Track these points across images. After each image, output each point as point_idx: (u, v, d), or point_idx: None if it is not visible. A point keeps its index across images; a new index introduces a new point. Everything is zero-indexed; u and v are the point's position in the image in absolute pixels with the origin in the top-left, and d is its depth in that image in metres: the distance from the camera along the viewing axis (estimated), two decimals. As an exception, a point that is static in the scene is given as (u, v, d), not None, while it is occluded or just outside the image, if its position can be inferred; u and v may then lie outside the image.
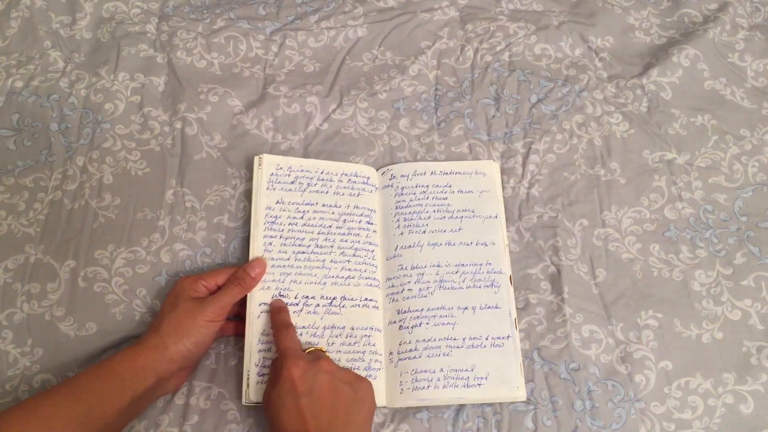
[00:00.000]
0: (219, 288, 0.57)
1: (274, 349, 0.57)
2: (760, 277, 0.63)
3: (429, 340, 0.59)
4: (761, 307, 0.62)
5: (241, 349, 0.58)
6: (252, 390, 0.56)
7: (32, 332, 0.59)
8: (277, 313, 0.57)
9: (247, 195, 0.66)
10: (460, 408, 0.57)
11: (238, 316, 0.60)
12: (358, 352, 0.58)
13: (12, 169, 0.67)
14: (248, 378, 0.56)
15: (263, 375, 0.56)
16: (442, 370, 0.58)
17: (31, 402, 0.48)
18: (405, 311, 0.60)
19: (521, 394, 0.57)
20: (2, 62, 0.73)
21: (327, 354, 0.56)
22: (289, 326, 0.56)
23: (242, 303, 0.59)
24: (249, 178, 0.67)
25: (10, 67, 0.73)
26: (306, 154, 0.69)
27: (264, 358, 0.57)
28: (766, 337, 0.61)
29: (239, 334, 0.59)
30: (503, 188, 0.68)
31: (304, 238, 0.62)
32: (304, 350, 0.55)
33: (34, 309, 0.60)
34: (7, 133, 0.69)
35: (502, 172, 0.69)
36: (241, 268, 0.58)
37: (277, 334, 0.55)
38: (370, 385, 0.53)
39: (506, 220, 0.66)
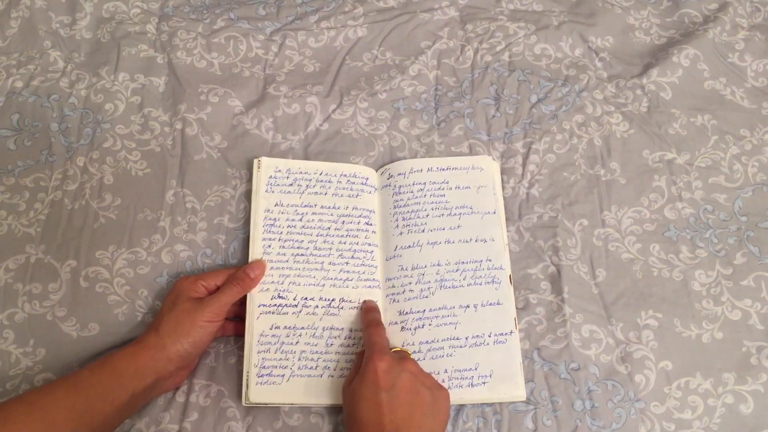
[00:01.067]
0: (218, 288, 0.58)
1: (274, 349, 0.57)
2: (760, 277, 0.63)
3: (432, 341, 0.59)
4: (761, 307, 0.62)
5: (241, 347, 0.58)
6: (251, 391, 0.56)
7: (34, 332, 0.59)
8: (368, 312, 0.59)
9: (248, 195, 0.66)
10: (460, 408, 0.57)
11: (237, 316, 0.60)
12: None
13: (12, 169, 0.67)
14: (248, 379, 0.56)
15: (262, 376, 0.56)
16: (446, 371, 0.58)
17: (32, 395, 0.49)
18: (407, 312, 0.60)
19: (521, 393, 0.57)
20: (2, 62, 0.73)
21: (412, 357, 0.57)
22: (379, 324, 0.57)
23: (242, 303, 0.59)
24: (249, 179, 0.67)
25: (10, 67, 0.73)
26: (306, 154, 0.69)
27: (263, 359, 0.57)
28: (766, 337, 0.61)
29: (239, 335, 0.60)
30: (503, 188, 0.68)
31: (302, 240, 0.62)
32: (391, 349, 0.56)
33: (36, 309, 0.60)
34: (8, 133, 0.69)
35: (502, 172, 0.69)
36: (240, 268, 0.59)
37: (367, 329, 0.56)
38: (448, 395, 0.54)
39: (506, 220, 0.66)
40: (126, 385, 0.51)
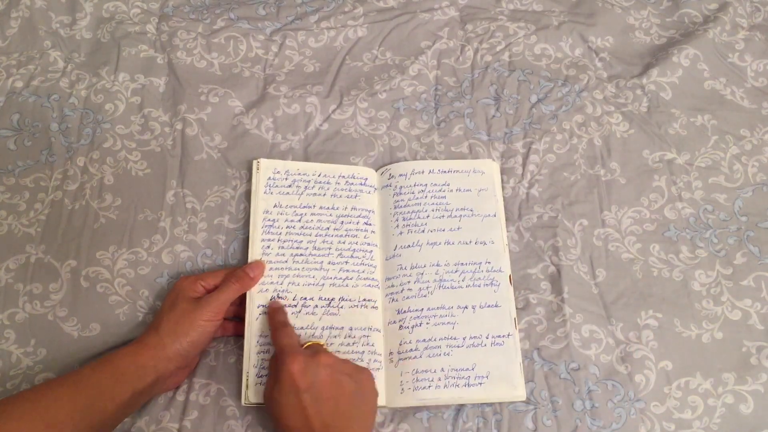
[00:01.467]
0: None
1: (272, 350, 0.57)
2: (760, 277, 0.63)
3: (429, 339, 0.59)
4: (761, 307, 0.62)
5: (241, 347, 0.58)
6: (251, 391, 0.56)
7: (35, 332, 0.59)
8: (275, 314, 0.58)
9: (247, 196, 0.66)
10: (460, 408, 0.57)
11: (237, 316, 0.60)
12: (357, 353, 0.58)
13: (12, 169, 0.67)
14: (247, 379, 0.56)
15: (262, 376, 0.56)
16: (443, 369, 0.58)
17: (34, 392, 0.49)
18: (405, 311, 0.61)
19: (521, 393, 0.57)
20: (2, 62, 0.73)
21: (325, 346, 0.56)
22: (286, 325, 0.56)
23: (241, 303, 0.59)
24: (249, 179, 0.67)
25: (10, 67, 0.73)
26: (306, 155, 0.69)
27: (263, 359, 0.57)
28: (766, 337, 0.61)
29: (238, 335, 0.60)
30: (503, 188, 0.68)
31: (301, 241, 0.62)
32: (303, 344, 0.55)
33: (37, 309, 0.60)
34: (8, 133, 0.69)
35: (502, 172, 0.69)
36: (240, 268, 0.59)
37: (275, 333, 0.55)
38: (370, 374, 0.53)
39: (506, 220, 0.66)
40: (127, 384, 0.51)
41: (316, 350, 0.53)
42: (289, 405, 0.49)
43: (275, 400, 0.50)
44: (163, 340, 0.53)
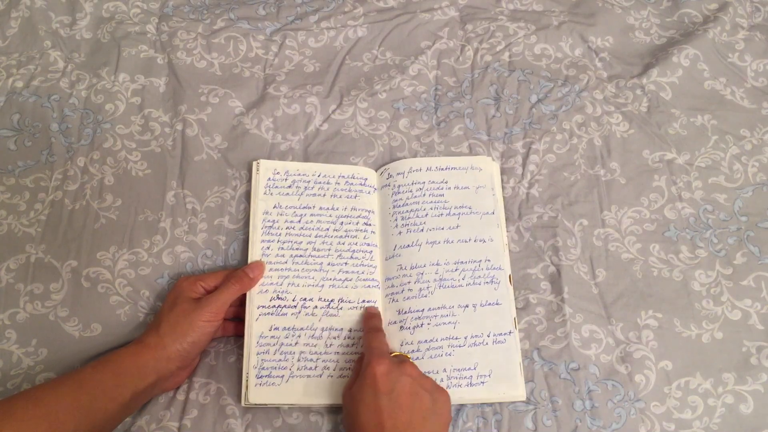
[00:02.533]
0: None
1: (273, 350, 0.57)
2: (760, 277, 0.63)
3: (431, 340, 0.59)
4: (761, 307, 0.62)
5: (240, 346, 0.59)
6: (251, 392, 0.56)
7: (36, 332, 0.59)
8: (370, 318, 0.59)
9: (247, 196, 0.66)
10: (461, 408, 0.58)
11: (237, 317, 0.60)
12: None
13: (12, 170, 0.67)
14: (247, 380, 0.56)
15: (262, 377, 0.56)
16: (445, 370, 0.58)
17: (36, 391, 0.49)
18: (406, 312, 0.61)
19: (521, 393, 0.57)
20: (2, 62, 0.73)
21: (411, 360, 0.56)
22: (379, 330, 0.57)
23: (241, 304, 0.59)
24: (249, 179, 0.67)
25: (10, 67, 0.73)
26: (306, 155, 0.69)
27: (263, 360, 0.57)
28: (766, 337, 0.61)
29: (239, 335, 0.60)
30: (503, 188, 0.68)
31: (301, 242, 0.62)
32: (390, 353, 0.56)
33: (38, 309, 0.60)
34: (8, 133, 0.69)
35: (502, 172, 0.69)
36: (240, 268, 0.59)
37: (367, 335, 0.56)
38: (448, 397, 0.53)
39: (506, 220, 0.66)
40: (128, 383, 0.52)
41: (402, 360, 0.53)
42: (366, 403, 0.49)
43: (353, 396, 0.51)
44: (163, 340, 0.53)
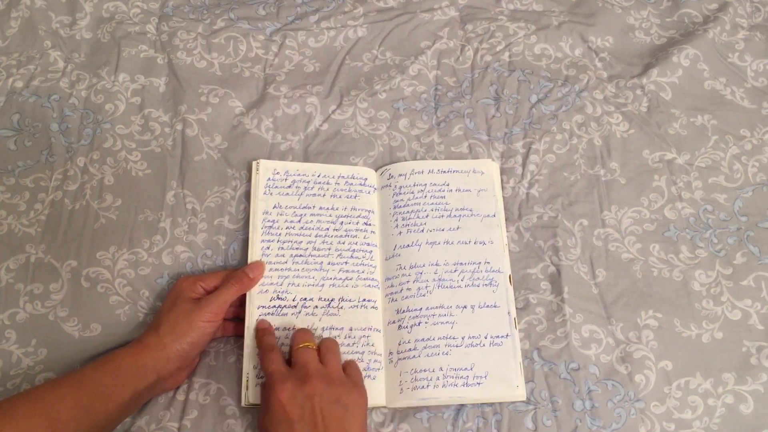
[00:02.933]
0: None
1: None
2: (760, 277, 0.63)
3: (428, 339, 0.59)
4: (761, 307, 0.62)
5: (240, 347, 0.58)
6: (251, 392, 0.56)
7: (36, 332, 0.59)
8: (262, 336, 0.57)
9: (247, 196, 0.66)
10: (460, 408, 0.57)
11: (237, 317, 0.60)
12: (357, 353, 0.58)
13: (12, 170, 0.67)
14: (247, 380, 0.56)
15: (262, 377, 0.56)
16: (441, 369, 0.58)
17: (37, 391, 0.49)
18: (404, 311, 0.61)
19: (521, 393, 0.57)
20: (2, 62, 0.73)
21: (315, 348, 0.55)
22: (273, 349, 0.55)
23: (241, 304, 0.59)
24: (249, 179, 0.67)
25: (10, 67, 0.73)
26: (306, 155, 0.69)
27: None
28: (766, 337, 0.61)
29: (239, 335, 0.60)
30: (503, 188, 0.68)
31: (301, 242, 0.62)
32: (298, 346, 0.54)
33: (38, 309, 0.60)
34: (8, 133, 0.69)
35: (502, 172, 0.69)
36: (240, 269, 0.59)
37: (263, 357, 0.55)
38: (360, 393, 0.53)
39: (506, 220, 0.66)
40: (128, 384, 0.52)
41: (303, 376, 0.52)
42: None
43: (267, 430, 0.50)
44: (163, 340, 0.53)
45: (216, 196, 0.66)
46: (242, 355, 0.58)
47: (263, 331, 0.58)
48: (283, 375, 0.52)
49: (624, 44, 0.79)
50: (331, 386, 0.51)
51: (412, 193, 0.66)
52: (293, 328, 0.58)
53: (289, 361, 0.54)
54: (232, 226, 0.65)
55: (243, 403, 0.56)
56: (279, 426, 0.49)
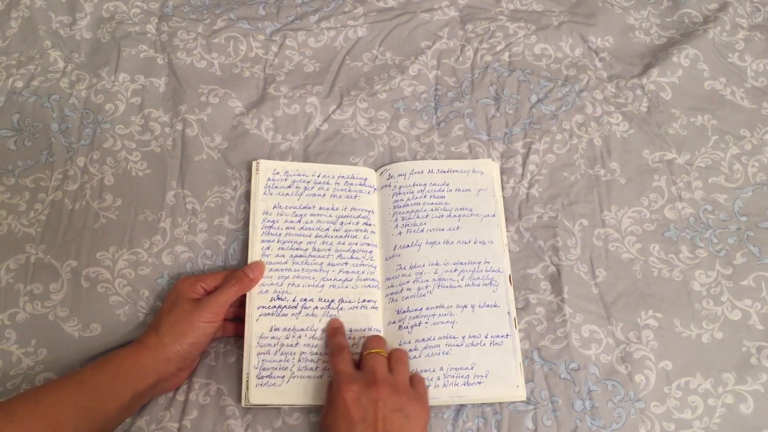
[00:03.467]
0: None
1: (273, 351, 0.57)
2: (760, 277, 0.63)
3: (428, 339, 0.59)
4: (761, 307, 0.62)
5: (240, 347, 0.59)
6: (251, 392, 0.56)
7: (36, 332, 0.59)
8: (333, 335, 0.58)
9: (247, 196, 0.66)
10: (460, 408, 0.58)
11: (237, 317, 0.60)
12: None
13: (12, 170, 0.67)
14: (247, 380, 0.56)
15: (262, 377, 0.56)
16: (442, 368, 0.58)
17: (38, 392, 0.49)
18: (404, 311, 0.61)
19: (521, 393, 0.57)
20: (2, 62, 0.73)
21: (385, 355, 0.56)
22: (343, 348, 0.56)
23: (241, 305, 0.59)
24: (249, 180, 0.67)
25: (10, 67, 0.73)
26: (306, 155, 0.69)
27: (263, 360, 0.57)
28: (766, 337, 0.61)
29: (239, 335, 0.60)
30: (503, 188, 0.68)
31: (301, 242, 0.62)
32: (367, 352, 0.55)
33: (38, 309, 0.60)
34: (8, 133, 0.69)
35: (502, 172, 0.69)
36: (240, 269, 0.59)
37: (332, 357, 0.56)
38: (423, 406, 0.53)
39: (506, 220, 0.66)
40: (129, 384, 0.52)
41: (370, 381, 0.52)
42: None
43: (328, 427, 0.51)
44: (163, 341, 0.53)
45: (216, 196, 0.66)
46: (242, 356, 0.58)
47: (335, 330, 0.58)
48: (351, 376, 0.53)
49: (624, 44, 0.79)
50: (396, 394, 0.52)
51: (412, 193, 0.66)
52: (293, 329, 0.59)
53: (358, 365, 0.55)
54: (232, 227, 0.65)
55: (243, 404, 0.56)
56: (340, 424, 0.50)
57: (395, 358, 0.56)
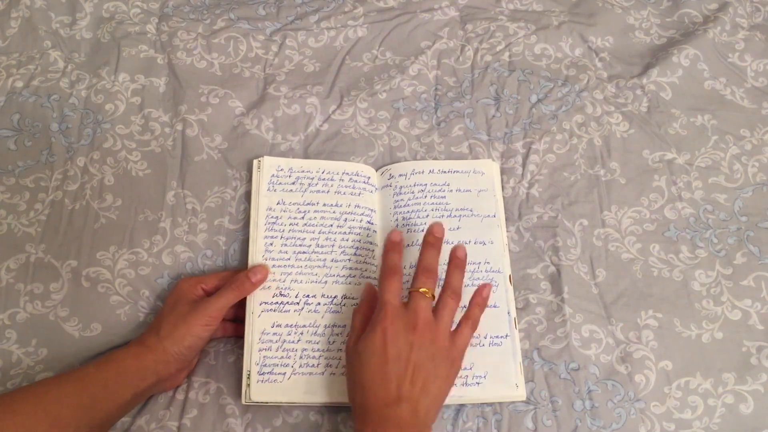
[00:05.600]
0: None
1: (275, 347, 0.57)
2: (760, 277, 0.63)
3: None
4: (761, 307, 0.62)
5: (240, 346, 0.58)
6: (252, 389, 0.56)
7: (36, 332, 0.59)
8: (390, 251, 0.56)
9: (247, 197, 0.66)
10: (460, 408, 0.58)
11: (236, 318, 0.60)
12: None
13: (12, 170, 0.67)
14: (248, 377, 0.56)
15: (263, 374, 0.56)
16: None
17: (39, 387, 0.49)
18: (405, 311, 0.61)
19: (521, 393, 0.57)
20: (2, 62, 0.73)
21: (432, 297, 0.53)
22: (396, 273, 0.54)
23: (241, 305, 0.59)
24: (249, 180, 0.67)
25: (10, 67, 0.73)
26: (306, 155, 0.69)
27: (264, 357, 0.57)
28: (766, 337, 0.61)
29: (238, 335, 0.60)
30: (503, 188, 0.68)
31: (305, 238, 0.62)
32: (414, 289, 0.53)
33: (38, 309, 0.60)
34: (8, 133, 0.69)
35: (502, 172, 0.69)
36: (243, 272, 0.58)
37: (383, 279, 0.54)
38: (454, 363, 0.52)
39: (506, 220, 0.66)
40: (129, 384, 0.52)
41: (413, 322, 0.51)
42: (372, 366, 0.49)
43: (359, 354, 0.50)
44: (163, 342, 0.53)
45: (216, 196, 0.66)
46: (242, 355, 0.58)
47: (393, 245, 0.56)
48: (397, 311, 0.51)
49: (624, 44, 0.79)
50: (434, 344, 0.51)
51: (413, 193, 0.66)
52: (296, 325, 0.58)
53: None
54: (233, 227, 0.65)
55: (244, 401, 0.56)
56: (372, 355, 0.49)
57: (443, 303, 0.54)
